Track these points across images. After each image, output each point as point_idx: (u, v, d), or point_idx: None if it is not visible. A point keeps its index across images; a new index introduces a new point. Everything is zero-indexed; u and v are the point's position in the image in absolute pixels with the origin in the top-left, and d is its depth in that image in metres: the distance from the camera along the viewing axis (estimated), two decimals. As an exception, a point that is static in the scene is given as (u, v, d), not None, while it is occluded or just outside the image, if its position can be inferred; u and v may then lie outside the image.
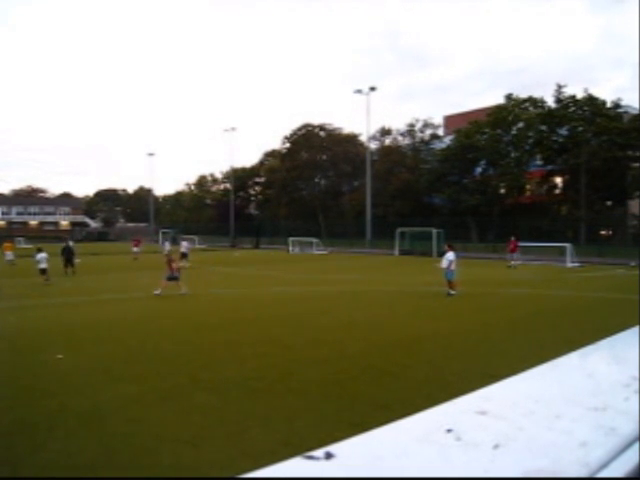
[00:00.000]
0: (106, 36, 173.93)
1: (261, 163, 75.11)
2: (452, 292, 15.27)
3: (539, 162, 46.97)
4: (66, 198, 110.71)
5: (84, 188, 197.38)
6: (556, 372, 0.90)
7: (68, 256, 23.03)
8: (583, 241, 39.21)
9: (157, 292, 15.61)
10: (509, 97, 47.09)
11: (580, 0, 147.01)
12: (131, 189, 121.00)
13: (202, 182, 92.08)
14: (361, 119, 54.06)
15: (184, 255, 28.80)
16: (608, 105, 41.36)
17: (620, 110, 41.49)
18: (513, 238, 28.00)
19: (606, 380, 0.84)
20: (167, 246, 33.31)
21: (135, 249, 34.24)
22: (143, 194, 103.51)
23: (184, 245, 30.56)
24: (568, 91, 42.43)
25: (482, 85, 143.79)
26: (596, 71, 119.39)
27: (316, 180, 65.79)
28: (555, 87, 43.45)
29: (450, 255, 15.48)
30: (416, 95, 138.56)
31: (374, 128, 60.17)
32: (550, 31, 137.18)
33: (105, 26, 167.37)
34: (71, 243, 33.08)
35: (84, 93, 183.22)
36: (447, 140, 53.26)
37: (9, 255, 29.60)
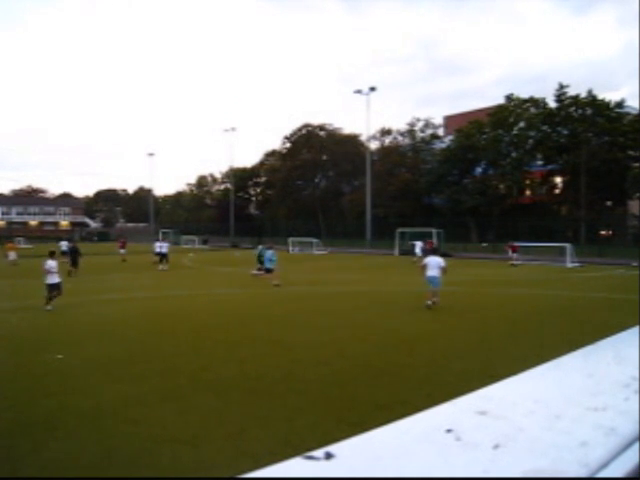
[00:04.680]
0: (106, 36, 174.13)
1: (261, 163, 75.14)
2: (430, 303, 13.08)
3: (539, 162, 46.99)
4: (66, 198, 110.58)
5: (84, 188, 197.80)
6: (556, 372, 0.90)
7: (74, 256, 22.97)
8: (583, 241, 39.21)
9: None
10: (509, 97, 47.06)
11: (607, 15, 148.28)
12: (131, 189, 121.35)
13: (202, 182, 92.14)
14: (365, 119, 53.60)
15: (163, 256, 26.42)
16: (610, 106, 41.32)
17: (622, 111, 41.46)
18: (510, 242, 29.58)
19: (606, 380, 0.84)
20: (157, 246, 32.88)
21: (122, 251, 33.18)
22: (143, 194, 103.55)
23: (161, 245, 27.53)
24: (580, 94, 42.19)
25: (503, 91, 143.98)
26: (618, 78, 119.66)
27: (316, 180, 65.83)
28: (557, 87, 43.43)
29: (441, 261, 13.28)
30: (435, 100, 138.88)
31: (381, 128, 60.41)
32: (574, 41, 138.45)
33: (106, 26, 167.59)
34: (65, 243, 32.93)
35: (84, 93, 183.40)
36: (447, 140, 53.27)
37: (12, 255, 29.72)
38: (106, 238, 74.34)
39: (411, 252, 31.53)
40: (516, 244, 29.26)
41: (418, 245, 30.32)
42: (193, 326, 10.94)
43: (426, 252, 24.93)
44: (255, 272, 21.62)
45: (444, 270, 13.00)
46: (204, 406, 6.01)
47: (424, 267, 13.34)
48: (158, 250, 27.21)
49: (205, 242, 57.54)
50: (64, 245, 32.62)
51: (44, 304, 12.85)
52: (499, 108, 46.62)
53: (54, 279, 13.03)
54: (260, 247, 22.88)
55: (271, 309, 13.43)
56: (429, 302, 12.85)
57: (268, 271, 18.72)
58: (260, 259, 21.62)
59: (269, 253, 19.06)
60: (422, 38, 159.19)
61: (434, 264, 13.00)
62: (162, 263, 26.22)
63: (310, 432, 5.16)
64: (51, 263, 13.15)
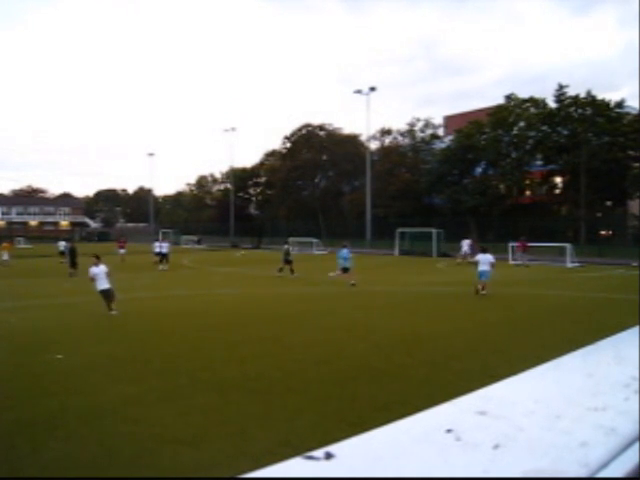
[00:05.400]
0: (106, 36, 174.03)
1: (261, 163, 75.05)
2: (484, 292, 15.61)
3: (539, 162, 46.97)
4: (66, 198, 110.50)
5: (84, 188, 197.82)
6: (556, 372, 0.90)
7: (73, 257, 22.97)
8: (583, 241, 39.18)
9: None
10: (509, 97, 47.03)
11: (607, 15, 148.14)
12: (131, 189, 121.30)
13: (202, 182, 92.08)
14: (365, 119, 53.52)
15: (163, 256, 26.45)
16: (610, 106, 41.27)
17: (622, 111, 41.42)
18: (523, 239, 29.49)
19: (606, 380, 0.84)
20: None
21: (121, 251, 32.63)
22: (143, 194, 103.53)
23: (161, 245, 27.41)
24: (580, 94, 42.13)
25: (503, 91, 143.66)
26: (618, 78, 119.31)
27: (316, 180, 65.78)
28: (557, 87, 43.38)
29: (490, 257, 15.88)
30: (435, 100, 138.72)
31: (381, 128, 60.38)
32: (574, 41, 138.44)
33: (106, 26, 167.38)
34: (63, 243, 32.86)
35: (84, 93, 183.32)
36: (447, 140, 53.25)
37: (4, 256, 29.65)
38: (106, 238, 74.26)
39: (459, 252, 31.02)
40: (528, 244, 29.17)
41: (466, 244, 30.46)
42: (193, 326, 10.95)
43: (474, 250, 26.50)
44: (290, 274, 21.42)
45: (493, 265, 15.57)
46: (204, 406, 6.01)
47: (477, 263, 16.19)
48: (158, 250, 27.20)
49: (199, 242, 57.68)
50: (62, 245, 32.59)
51: (108, 310, 12.29)
52: (499, 108, 46.56)
53: (104, 285, 12.50)
54: (286, 246, 22.66)
55: (271, 309, 13.43)
56: (483, 292, 15.34)
57: (345, 270, 18.73)
58: (287, 258, 21.61)
59: (344, 252, 19.04)
60: (422, 38, 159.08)
61: (485, 260, 15.61)
62: (162, 263, 26.23)
63: (310, 432, 5.16)
64: (95, 270, 12.56)
